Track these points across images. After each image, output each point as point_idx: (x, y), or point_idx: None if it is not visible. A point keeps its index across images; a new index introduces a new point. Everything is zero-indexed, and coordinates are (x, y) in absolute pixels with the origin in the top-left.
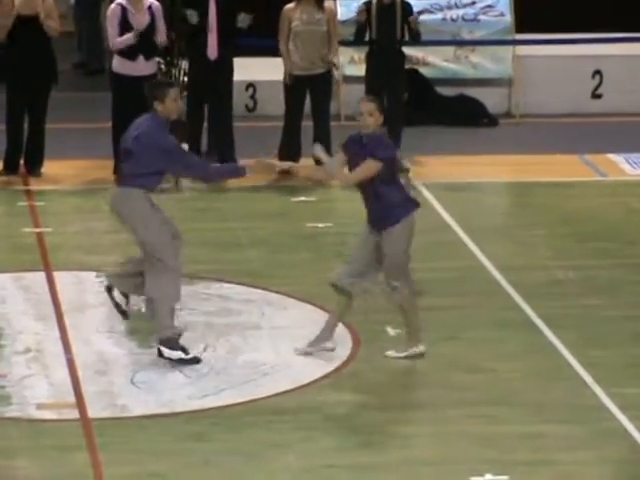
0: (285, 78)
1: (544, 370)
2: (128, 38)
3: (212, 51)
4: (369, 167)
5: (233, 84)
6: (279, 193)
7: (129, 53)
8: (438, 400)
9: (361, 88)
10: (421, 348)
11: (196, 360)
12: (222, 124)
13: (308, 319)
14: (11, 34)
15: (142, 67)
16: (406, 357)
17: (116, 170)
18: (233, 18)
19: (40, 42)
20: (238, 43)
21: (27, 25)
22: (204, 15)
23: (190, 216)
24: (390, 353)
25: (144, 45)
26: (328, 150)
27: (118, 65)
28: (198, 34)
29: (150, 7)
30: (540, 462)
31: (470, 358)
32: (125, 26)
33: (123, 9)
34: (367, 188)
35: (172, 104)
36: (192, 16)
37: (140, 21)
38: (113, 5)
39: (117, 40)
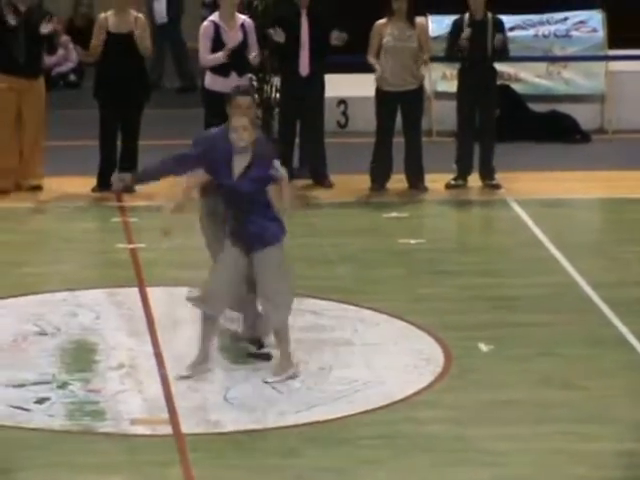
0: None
1: (638, 388)
2: (219, 56)
3: (304, 68)
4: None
5: (325, 100)
6: (370, 209)
7: (221, 70)
8: (531, 417)
9: (452, 104)
10: (293, 371)
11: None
12: (314, 140)
13: (400, 335)
14: (104, 52)
15: (234, 83)
16: (282, 381)
17: None
18: (325, 35)
19: (133, 60)
20: (330, 60)
21: (120, 43)
22: (296, 32)
23: None
24: (269, 379)
25: (236, 62)
26: (419, 166)
27: (210, 82)
28: (290, 51)
29: (243, 24)
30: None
31: (563, 375)
32: (217, 43)
33: (216, 26)
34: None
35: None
36: (278, 35)
37: (232, 38)
38: (206, 22)
39: (208, 57)
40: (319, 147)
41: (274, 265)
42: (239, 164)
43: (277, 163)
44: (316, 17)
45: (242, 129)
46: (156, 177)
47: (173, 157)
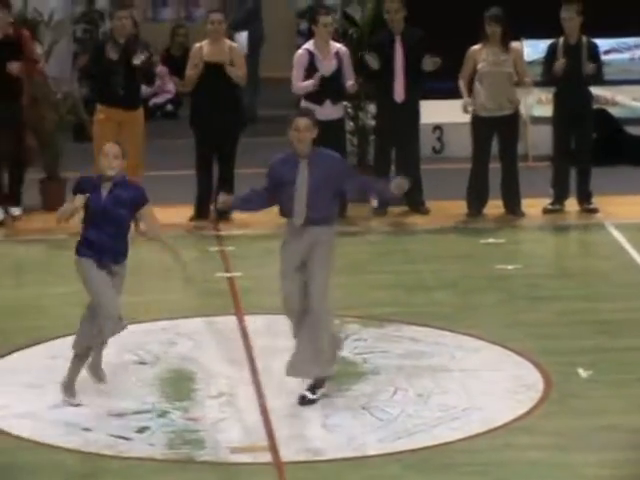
0: (464, 109)
1: None
2: (309, 84)
3: (399, 94)
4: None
5: (420, 127)
6: (467, 235)
7: (316, 98)
8: (633, 443)
9: (548, 129)
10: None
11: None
12: (409, 167)
13: (499, 361)
14: (199, 81)
15: (329, 111)
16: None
17: None
18: (419, 61)
19: (227, 89)
20: (425, 86)
21: (215, 72)
22: (390, 59)
23: (378, 259)
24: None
25: (330, 89)
26: (515, 191)
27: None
28: (384, 78)
29: (337, 52)
30: None
31: None
32: (311, 71)
33: (310, 55)
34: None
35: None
36: (373, 61)
37: (326, 66)
38: (300, 51)
39: (300, 85)
40: (415, 173)
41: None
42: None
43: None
44: (410, 43)
45: (300, 140)
46: (247, 207)
47: (254, 190)
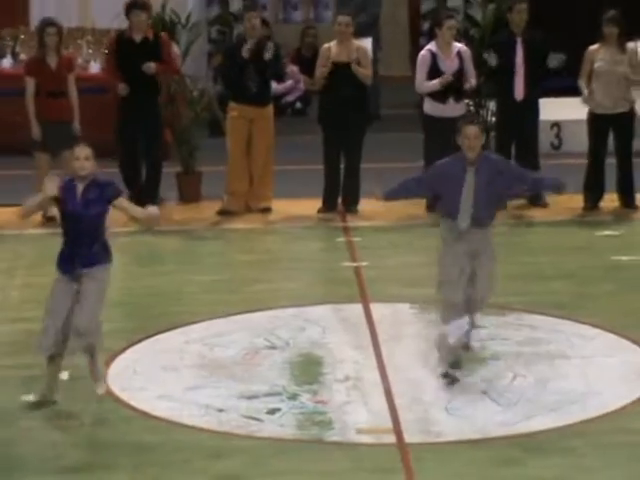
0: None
1: None
2: (435, 84)
3: (519, 92)
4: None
5: (539, 124)
6: (584, 227)
7: (439, 96)
8: None
9: None
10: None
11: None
12: (529, 162)
13: (615, 348)
14: (328, 80)
15: (452, 109)
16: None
17: (429, 207)
18: (540, 59)
19: (354, 87)
20: (544, 84)
21: (342, 72)
22: (511, 58)
23: (499, 249)
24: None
25: (453, 88)
26: (630, 186)
27: (429, 108)
28: (505, 76)
29: (459, 52)
30: None
31: None
32: (435, 71)
33: (433, 55)
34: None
35: None
36: (491, 59)
37: (449, 66)
38: (423, 51)
39: (425, 84)
40: (534, 168)
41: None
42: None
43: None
44: (531, 43)
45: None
46: (401, 197)
47: (413, 179)
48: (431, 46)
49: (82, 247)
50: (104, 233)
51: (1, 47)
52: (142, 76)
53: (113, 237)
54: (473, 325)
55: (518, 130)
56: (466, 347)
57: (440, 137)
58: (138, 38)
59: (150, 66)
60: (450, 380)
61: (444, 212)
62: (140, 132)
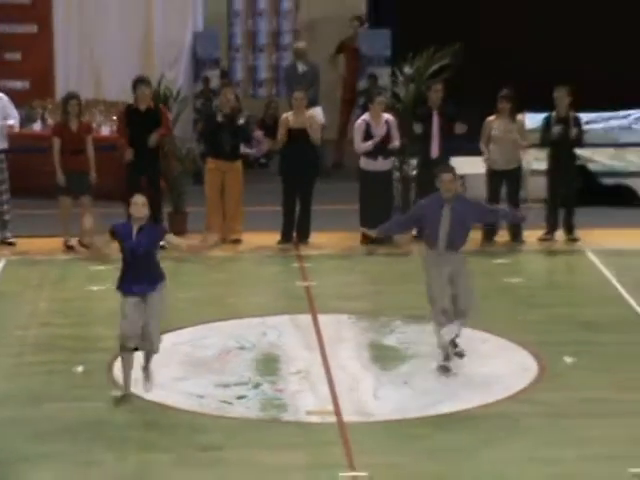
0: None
1: None
2: (368, 145)
3: (434, 152)
4: None
5: None
6: (483, 256)
7: (371, 155)
8: (606, 411)
9: (543, 179)
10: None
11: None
12: None
13: (503, 349)
14: (286, 142)
15: (381, 164)
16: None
17: (363, 240)
18: (451, 127)
19: (307, 147)
20: (453, 146)
21: (298, 135)
22: (429, 125)
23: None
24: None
25: (381, 149)
26: (518, 226)
27: (364, 163)
28: (424, 140)
29: (387, 121)
30: None
31: (629, 380)
32: (368, 135)
33: (367, 123)
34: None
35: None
36: (417, 128)
37: (379, 132)
38: (359, 120)
39: (361, 146)
40: None
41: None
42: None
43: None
44: (444, 114)
45: (446, 190)
46: (393, 231)
47: (402, 216)
48: (365, 116)
49: (140, 273)
50: (156, 261)
51: (33, 114)
52: (147, 139)
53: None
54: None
55: (433, 182)
56: (453, 345)
57: (371, 186)
58: (143, 108)
59: (152, 139)
60: (445, 369)
61: (427, 240)
62: (142, 182)
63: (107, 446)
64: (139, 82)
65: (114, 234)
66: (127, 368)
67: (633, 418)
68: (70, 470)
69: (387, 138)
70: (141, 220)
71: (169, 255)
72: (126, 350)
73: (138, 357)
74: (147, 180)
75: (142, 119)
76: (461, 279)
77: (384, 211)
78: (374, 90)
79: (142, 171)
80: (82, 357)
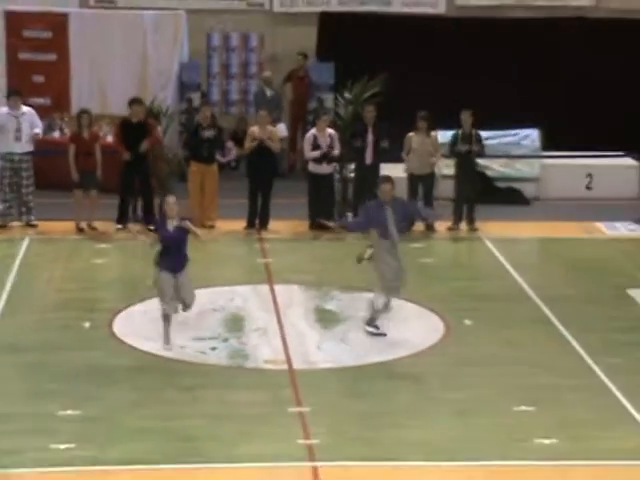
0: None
1: (555, 350)
2: (316, 154)
3: (368, 159)
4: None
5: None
6: (404, 241)
7: (318, 161)
8: (497, 360)
9: (451, 182)
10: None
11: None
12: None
13: (419, 314)
14: (253, 150)
15: (325, 169)
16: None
17: (311, 226)
18: (381, 140)
19: (268, 154)
20: (385, 156)
21: (262, 145)
22: (365, 138)
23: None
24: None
25: (325, 157)
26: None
27: (311, 167)
28: (361, 149)
29: (330, 135)
30: (553, 400)
31: (514, 338)
32: (315, 146)
33: (314, 136)
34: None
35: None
36: (356, 142)
37: (323, 143)
38: (308, 134)
39: (310, 154)
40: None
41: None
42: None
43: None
44: (377, 129)
45: (386, 195)
46: (358, 230)
47: (360, 218)
48: (314, 131)
49: (175, 257)
50: (184, 248)
51: (53, 125)
52: (138, 146)
53: (123, 242)
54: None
55: (368, 183)
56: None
57: (317, 186)
58: (135, 121)
59: (143, 145)
60: (376, 330)
61: (380, 235)
62: (135, 180)
63: (106, 385)
64: (133, 101)
65: (155, 230)
66: (166, 325)
67: (515, 367)
68: (75, 404)
69: (330, 148)
70: (173, 216)
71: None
72: (164, 312)
73: (137, 315)
74: (139, 179)
75: (135, 130)
76: (401, 258)
77: (327, 205)
78: (320, 110)
79: (134, 171)
80: (89, 315)
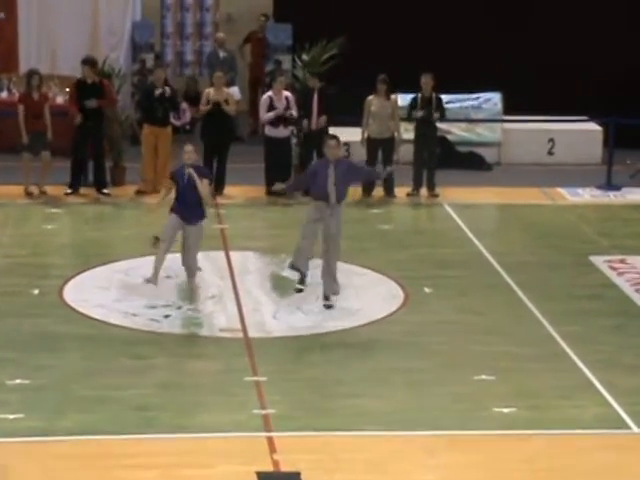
0: (362, 140)
1: (512, 314)
2: (271, 116)
3: (313, 124)
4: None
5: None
6: (361, 207)
7: (274, 124)
8: (458, 329)
9: (411, 146)
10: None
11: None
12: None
13: (378, 281)
14: (207, 112)
15: (282, 132)
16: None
17: (267, 192)
18: (324, 109)
19: (224, 117)
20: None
21: (217, 107)
22: (310, 103)
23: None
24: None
25: (282, 118)
26: (391, 183)
27: (268, 131)
28: (309, 115)
29: (287, 97)
30: (514, 369)
31: (472, 306)
32: (271, 108)
33: (270, 98)
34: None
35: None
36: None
37: (280, 105)
38: (265, 96)
39: (266, 116)
40: None
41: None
42: (332, 174)
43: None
44: (323, 95)
45: (331, 153)
46: (299, 188)
47: (300, 176)
48: (270, 93)
49: (187, 206)
50: (201, 201)
51: (1, 85)
52: (93, 108)
53: (73, 206)
54: (331, 272)
55: (315, 145)
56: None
57: (274, 149)
58: (90, 81)
59: (92, 101)
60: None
61: (316, 196)
62: (88, 142)
63: (56, 354)
64: (86, 61)
65: (172, 177)
66: (158, 261)
67: (475, 335)
68: (24, 373)
69: (286, 109)
70: (190, 165)
71: (105, 201)
72: (157, 246)
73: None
74: (92, 141)
75: (89, 91)
76: (335, 236)
77: (284, 169)
78: (277, 72)
79: (87, 134)
80: (38, 282)
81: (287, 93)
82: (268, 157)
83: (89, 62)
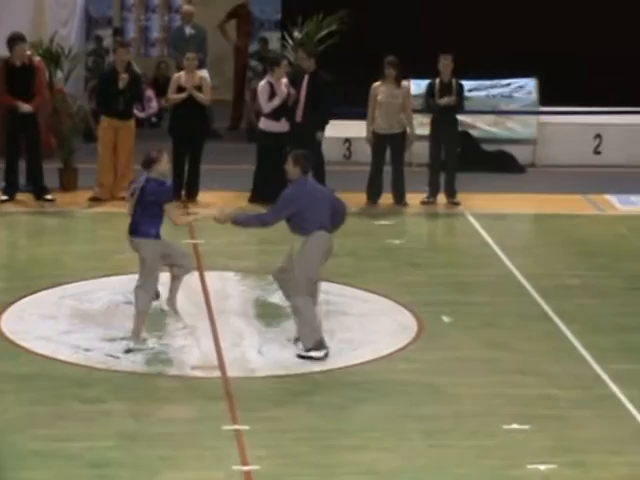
0: (367, 136)
1: (556, 349)
2: (276, 104)
3: (298, 116)
4: None
5: (316, 139)
6: (365, 218)
7: (275, 116)
8: (480, 370)
9: (426, 144)
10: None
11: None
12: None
13: (385, 309)
14: (177, 103)
15: (282, 126)
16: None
17: (252, 199)
18: (319, 95)
19: (197, 107)
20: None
21: (188, 96)
22: (299, 90)
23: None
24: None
25: (284, 109)
26: (401, 188)
27: (264, 124)
28: (294, 103)
29: (287, 85)
30: (552, 417)
31: (502, 339)
32: (272, 94)
33: (271, 85)
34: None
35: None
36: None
37: (282, 91)
38: (263, 82)
39: (268, 104)
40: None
41: None
42: None
43: None
44: (315, 82)
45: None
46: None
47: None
48: (268, 78)
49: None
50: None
51: None
52: (25, 93)
53: (9, 216)
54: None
55: (302, 143)
56: None
57: (271, 147)
58: (19, 64)
59: (25, 107)
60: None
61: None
62: (22, 138)
63: None
64: (14, 39)
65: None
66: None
67: (502, 375)
68: None
69: (288, 97)
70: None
71: (51, 210)
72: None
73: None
74: (26, 138)
75: (20, 76)
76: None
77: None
78: (276, 54)
79: (21, 129)
80: None
81: (284, 80)
82: (262, 155)
83: (18, 38)
